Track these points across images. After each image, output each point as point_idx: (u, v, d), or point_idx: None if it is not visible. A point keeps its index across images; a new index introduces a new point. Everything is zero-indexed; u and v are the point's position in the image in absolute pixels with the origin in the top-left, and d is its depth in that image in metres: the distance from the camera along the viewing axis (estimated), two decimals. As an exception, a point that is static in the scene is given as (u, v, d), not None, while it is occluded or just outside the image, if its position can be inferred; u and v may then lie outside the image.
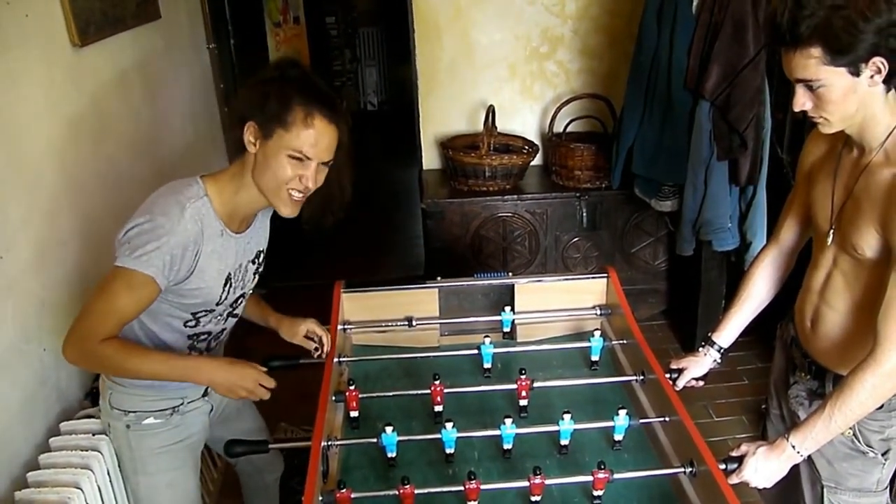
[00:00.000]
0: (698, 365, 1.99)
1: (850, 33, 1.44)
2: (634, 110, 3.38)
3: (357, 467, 1.82)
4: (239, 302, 1.91)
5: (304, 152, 1.66)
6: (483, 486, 1.60)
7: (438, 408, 1.91)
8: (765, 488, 1.72)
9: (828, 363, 1.78)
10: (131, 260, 1.60)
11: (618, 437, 1.83)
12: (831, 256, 1.72)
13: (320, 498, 1.59)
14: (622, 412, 1.79)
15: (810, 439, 1.60)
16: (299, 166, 1.67)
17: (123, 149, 2.67)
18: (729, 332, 1.99)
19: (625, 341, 2.16)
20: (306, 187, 1.70)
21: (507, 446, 1.79)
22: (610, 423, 1.80)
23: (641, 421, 1.87)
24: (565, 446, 1.81)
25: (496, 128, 3.77)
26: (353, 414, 1.92)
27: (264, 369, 1.80)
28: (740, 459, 1.65)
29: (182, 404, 1.91)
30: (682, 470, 1.68)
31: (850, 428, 1.73)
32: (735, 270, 3.31)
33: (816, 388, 1.82)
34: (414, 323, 2.26)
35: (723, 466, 1.63)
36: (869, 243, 1.58)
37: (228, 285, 1.82)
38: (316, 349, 2.07)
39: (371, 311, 2.29)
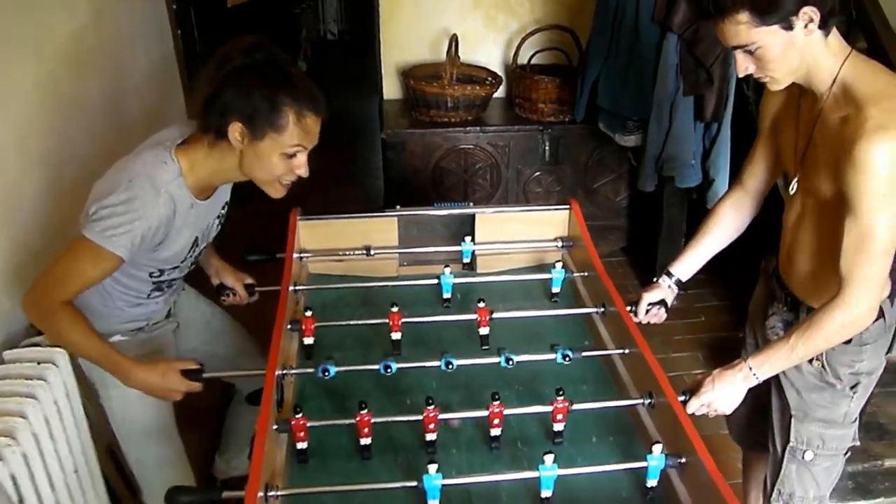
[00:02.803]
0: (652, 291, 1.99)
1: None
2: (600, 43, 3.32)
3: (313, 397, 1.78)
4: (202, 251, 1.99)
5: (300, 145, 1.70)
6: (441, 416, 1.58)
7: (396, 335, 1.88)
8: (732, 421, 1.74)
9: (802, 296, 1.80)
10: (100, 236, 1.64)
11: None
12: (799, 199, 1.73)
13: (275, 426, 1.56)
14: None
15: (769, 364, 1.64)
16: (292, 159, 1.72)
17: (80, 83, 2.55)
18: (687, 265, 2.00)
19: (585, 273, 2.14)
20: (299, 175, 1.76)
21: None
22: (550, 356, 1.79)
23: (601, 352, 1.86)
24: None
25: (459, 58, 3.68)
26: (308, 341, 1.88)
27: (194, 367, 1.81)
28: (695, 388, 1.68)
29: (147, 324, 1.98)
30: (641, 401, 1.68)
31: (819, 360, 1.76)
32: (697, 207, 3.30)
33: (791, 319, 1.84)
34: (372, 252, 2.21)
35: (682, 397, 1.64)
36: (830, 190, 1.59)
37: (195, 246, 1.90)
38: (225, 297, 2.21)
39: (328, 239, 2.23)
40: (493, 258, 2.28)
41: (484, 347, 1.89)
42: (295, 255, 2.13)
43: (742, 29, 1.49)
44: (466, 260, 2.24)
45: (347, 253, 2.21)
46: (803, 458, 1.85)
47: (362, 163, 5.12)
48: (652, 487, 1.51)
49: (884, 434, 2.72)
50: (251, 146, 1.68)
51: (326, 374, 1.70)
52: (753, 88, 3.16)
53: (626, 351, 1.81)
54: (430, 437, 1.61)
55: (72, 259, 1.69)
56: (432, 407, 1.57)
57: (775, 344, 1.65)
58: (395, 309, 1.86)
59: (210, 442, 2.57)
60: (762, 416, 1.91)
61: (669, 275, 2.00)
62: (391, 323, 1.87)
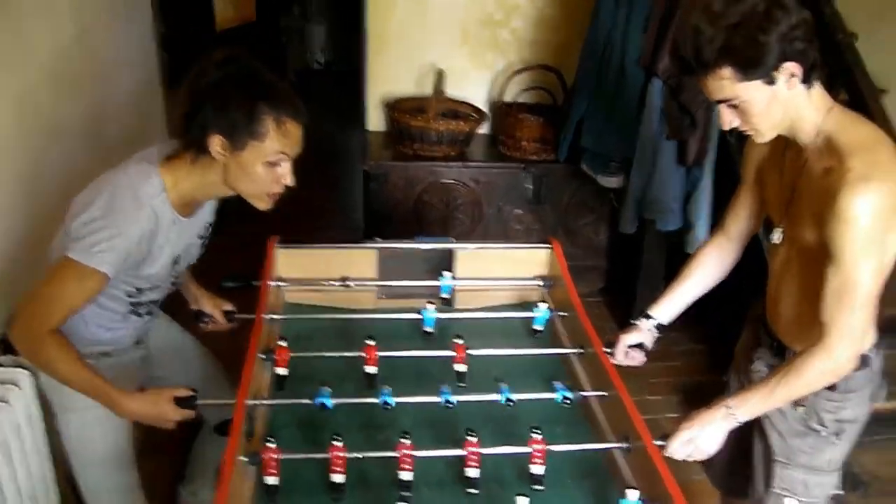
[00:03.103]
0: (633, 334, 1.98)
1: (753, 48, 1.45)
2: (586, 83, 3.34)
3: (284, 426, 1.74)
4: (182, 271, 1.96)
5: (283, 153, 1.68)
6: (416, 453, 1.55)
7: (371, 369, 1.85)
8: (712, 466, 1.72)
9: (788, 341, 1.80)
10: (84, 254, 1.62)
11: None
12: (784, 248, 1.74)
13: (244, 458, 1.52)
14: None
15: (748, 405, 1.65)
16: (277, 168, 1.70)
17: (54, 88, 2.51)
18: (668, 308, 1.99)
19: (565, 313, 2.12)
20: (285, 186, 1.74)
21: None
22: (550, 395, 1.77)
23: (582, 394, 1.84)
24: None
25: (445, 92, 3.69)
26: (281, 372, 1.84)
27: (187, 394, 1.77)
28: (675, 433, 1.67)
29: (114, 349, 1.92)
30: (618, 445, 1.66)
31: (803, 405, 1.75)
32: (676, 252, 3.31)
33: (777, 363, 1.83)
34: (350, 283, 2.18)
35: (660, 442, 1.63)
36: (813, 236, 1.60)
37: (176, 264, 1.86)
38: (204, 324, 2.17)
39: (306, 268, 2.20)
40: (471, 294, 2.25)
41: (461, 384, 1.86)
42: (271, 284, 2.10)
43: (725, 84, 1.51)
44: (445, 295, 2.22)
45: (325, 283, 2.18)
46: None
47: (344, 193, 5.10)
48: None
49: (859, 484, 2.71)
50: (234, 158, 1.65)
51: (324, 407, 1.68)
52: (736, 135, 3.17)
53: (607, 394, 1.79)
54: (406, 476, 1.56)
55: (56, 282, 1.65)
56: (408, 443, 1.54)
57: (756, 386, 1.65)
58: (371, 342, 1.83)
59: (174, 471, 2.50)
60: (743, 462, 1.90)
61: (649, 317, 1.99)
62: (367, 356, 1.84)
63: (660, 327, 1.99)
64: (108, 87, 3.03)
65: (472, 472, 1.58)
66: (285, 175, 1.72)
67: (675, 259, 3.41)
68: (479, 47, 3.92)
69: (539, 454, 1.59)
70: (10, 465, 1.78)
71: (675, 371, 3.46)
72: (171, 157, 1.73)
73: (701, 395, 3.18)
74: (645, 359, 1.99)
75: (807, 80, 1.51)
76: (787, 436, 1.79)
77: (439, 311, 2.08)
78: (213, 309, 2.17)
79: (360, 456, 1.57)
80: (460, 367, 1.87)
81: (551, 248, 2.26)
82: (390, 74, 3.92)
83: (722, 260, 1.96)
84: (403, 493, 1.56)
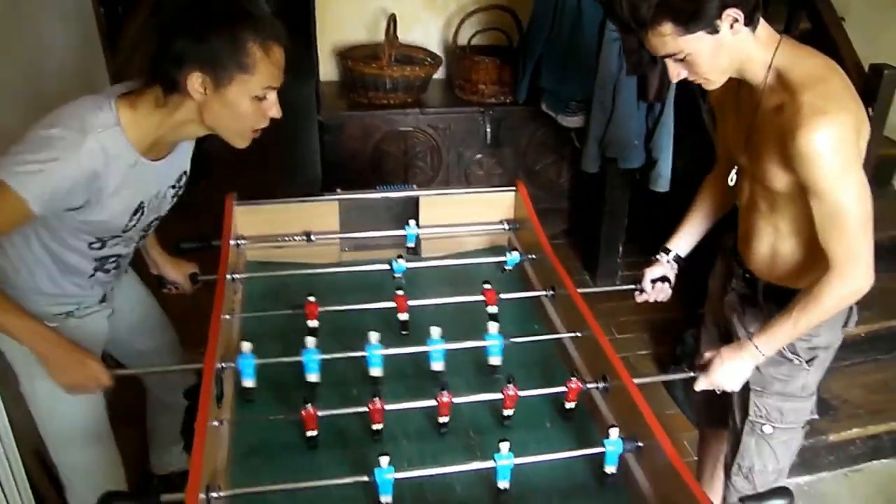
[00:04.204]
0: (653, 267, 2.01)
1: (690, 0, 1.42)
2: (542, 23, 3.28)
3: (257, 389, 1.69)
4: (153, 224, 1.82)
5: (272, 86, 1.53)
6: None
7: (403, 316, 1.83)
8: (690, 401, 1.73)
9: (760, 274, 1.81)
10: (12, 176, 1.43)
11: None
12: (748, 187, 1.74)
13: (215, 422, 1.47)
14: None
15: (774, 340, 1.67)
16: (263, 102, 1.55)
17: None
18: (684, 241, 2.01)
19: (533, 256, 2.09)
20: (269, 119, 1.59)
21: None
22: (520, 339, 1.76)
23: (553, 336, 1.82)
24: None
25: (398, 38, 3.60)
26: (312, 324, 1.79)
27: (105, 370, 1.67)
28: (704, 367, 1.73)
29: (77, 309, 1.81)
30: (595, 385, 1.64)
31: None
32: (639, 189, 3.29)
33: (749, 294, 1.86)
34: (313, 237, 2.12)
35: (692, 374, 1.73)
36: (777, 177, 1.60)
37: (140, 213, 1.69)
38: (168, 289, 2.11)
39: (266, 225, 2.13)
40: (437, 242, 2.21)
41: (403, 332, 1.83)
42: (231, 243, 2.03)
43: (668, 40, 1.48)
44: (411, 244, 2.17)
45: (287, 239, 2.12)
46: (762, 431, 1.88)
47: (298, 146, 4.92)
48: (611, 473, 1.48)
49: (828, 409, 2.76)
50: (216, 95, 1.49)
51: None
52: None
53: (579, 334, 1.77)
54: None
55: None
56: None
57: (778, 319, 1.66)
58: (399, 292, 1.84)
59: (144, 437, 2.46)
60: (721, 393, 1.91)
61: (667, 251, 2.00)
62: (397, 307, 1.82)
63: (678, 259, 2.00)
64: (43, 44, 2.89)
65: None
66: (272, 107, 1.57)
67: (639, 197, 3.41)
68: (432, -11, 3.82)
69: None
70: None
71: (642, 308, 3.45)
72: (130, 92, 1.56)
73: (671, 331, 3.23)
74: (671, 291, 2.02)
75: (750, 21, 1.49)
76: (760, 365, 1.79)
77: (407, 260, 2.04)
78: (177, 273, 2.10)
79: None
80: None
81: (516, 190, 2.22)
82: (340, 22, 3.81)
83: (721, 193, 1.94)
84: (377, 441, 1.55)
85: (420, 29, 3.87)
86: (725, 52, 1.51)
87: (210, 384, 1.51)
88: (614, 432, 1.46)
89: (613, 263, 3.68)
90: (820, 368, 1.83)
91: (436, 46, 3.88)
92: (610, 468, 1.48)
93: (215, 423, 1.48)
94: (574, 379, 1.61)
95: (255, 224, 2.13)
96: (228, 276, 1.88)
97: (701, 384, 1.73)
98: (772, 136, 1.56)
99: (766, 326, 1.69)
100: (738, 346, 1.71)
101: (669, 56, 1.52)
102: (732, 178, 1.76)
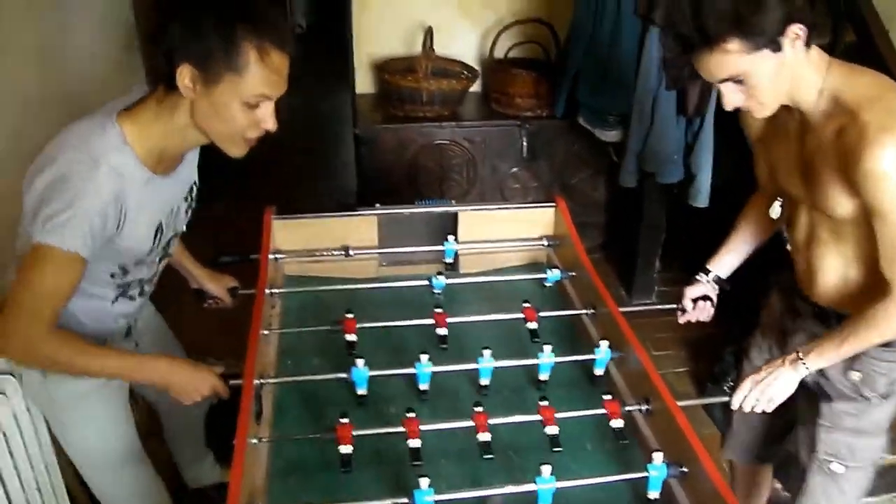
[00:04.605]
0: (696, 287, 1.98)
1: (759, 12, 1.36)
2: (581, 36, 3.26)
3: (290, 408, 1.69)
4: (172, 243, 1.75)
5: (265, 94, 1.44)
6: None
7: (442, 331, 1.81)
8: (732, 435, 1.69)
9: (833, 306, 1.73)
10: (49, 235, 1.39)
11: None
12: (806, 219, 1.69)
13: (254, 440, 1.46)
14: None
15: (820, 356, 1.62)
16: (256, 110, 1.46)
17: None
18: (725, 263, 1.97)
19: (573, 273, 2.06)
20: (265, 130, 1.50)
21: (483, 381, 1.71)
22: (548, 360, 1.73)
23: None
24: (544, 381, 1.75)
25: (434, 51, 3.59)
26: (351, 338, 1.78)
27: (219, 371, 1.64)
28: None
29: (106, 344, 1.73)
30: (637, 407, 1.61)
31: (859, 372, 1.70)
32: (677, 204, 3.25)
33: (821, 331, 1.74)
34: (351, 252, 2.11)
35: (727, 398, 1.70)
36: (841, 204, 1.54)
37: (160, 233, 1.63)
38: (209, 304, 2.08)
39: (305, 239, 2.13)
40: (476, 258, 2.20)
41: (443, 346, 1.80)
42: (270, 257, 2.03)
43: (732, 59, 1.41)
44: (449, 260, 2.16)
45: (325, 253, 2.11)
46: (830, 469, 1.79)
47: (334, 159, 4.99)
48: (654, 499, 1.44)
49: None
50: (205, 93, 1.40)
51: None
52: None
53: (620, 354, 1.74)
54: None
55: (32, 276, 1.42)
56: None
57: (827, 338, 1.62)
58: (439, 311, 1.83)
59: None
60: (764, 425, 1.87)
61: (707, 272, 1.97)
62: (437, 321, 1.82)
63: (718, 280, 1.97)
64: (85, 57, 2.93)
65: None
66: (266, 118, 1.47)
67: (677, 212, 3.37)
68: (468, 1, 3.80)
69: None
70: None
71: (679, 326, 3.41)
72: (131, 106, 1.50)
73: (708, 348, 3.18)
74: (713, 311, 1.99)
75: (809, 41, 1.44)
76: (835, 399, 1.74)
77: (447, 276, 2.02)
78: (217, 287, 2.09)
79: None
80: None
81: (556, 206, 2.20)
82: (377, 34, 3.81)
83: (764, 218, 1.89)
84: (416, 463, 1.50)
85: (457, 42, 3.86)
86: (786, 74, 1.45)
87: (249, 401, 1.50)
88: (658, 457, 1.42)
89: (650, 279, 3.63)
90: (893, 404, 1.74)
91: (472, 59, 3.87)
92: (653, 494, 1.44)
93: (254, 441, 1.47)
94: (610, 396, 1.59)
95: (293, 238, 2.13)
96: (267, 291, 1.88)
97: (745, 400, 1.67)
98: (833, 161, 1.50)
99: (814, 343, 1.64)
100: (782, 361, 1.65)
101: (730, 79, 1.45)
102: (776, 210, 1.73)
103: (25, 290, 1.43)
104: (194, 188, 1.76)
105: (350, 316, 1.80)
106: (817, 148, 1.54)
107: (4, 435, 1.73)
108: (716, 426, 2.75)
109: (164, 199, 1.62)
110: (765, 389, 1.65)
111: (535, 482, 1.37)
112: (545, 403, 1.56)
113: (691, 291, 1.97)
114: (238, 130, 1.47)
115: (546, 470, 1.37)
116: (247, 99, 1.42)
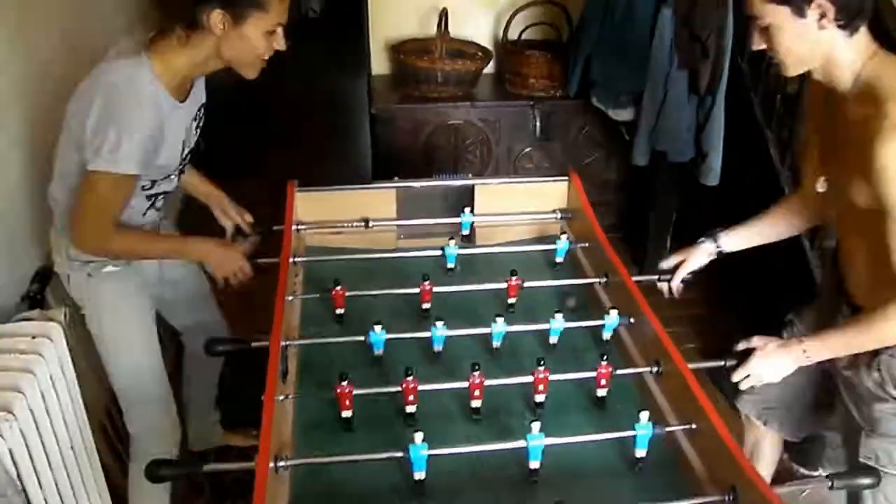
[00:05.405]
0: (696, 256, 1.97)
1: None
2: (594, 16, 3.29)
3: (317, 368, 1.75)
4: (187, 158, 1.99)
5: (281, 23, 1.72)
6: (487, 382, 1.58)
7: (426, 305, 1.90)
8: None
9: (863, 303, 1.72)
10: (106, 162, 1.67)
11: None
12: (837, 201, 1.68)
13: (281, 397, 1.53)
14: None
15: (824, 349, 1.63)
16: (272, 35, 1.74)
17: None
18: (735, 238, 1.95)
19: (586, 244, 2.12)
20: (276, 50, 1.77)
21: (495, 343, 1.78)
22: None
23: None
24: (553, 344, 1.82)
25: (449, 32, 3.64)
26: (339, 311, 1.89)
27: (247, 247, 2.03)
28: (744, 354, 1.68)
29: None
30: (648, 369, 1.67)
31: (878, 371, 1.68)
32: (689, 184, 3.29)
33: None
34: (371, 224, 2.18)
35: (729, 363, 1.69)
36: (861, 192, 1.53)
37: (183, 150, 1.92)
38: (242, 238, 2.21)
39: (326, 211, 2.19)
40: (491, 230, 2.26)
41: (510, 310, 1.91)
42: (293, 227, 2.09)
43: (755, 0, 1.48)
44: (465, 232, 2.22)
45: (346, 225, 2.18)
46: None
47: (350, 139, 5.03)
48: (640, 458, 1.50)
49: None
50: (234, 30, 1.68)
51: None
52: (748, 61, 3.15)
53: (631, 320, 1.80)
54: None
55: (92, 197, 1.73)
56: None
57: (833, 331, 1.63)
58: (426, 282, 1.89)
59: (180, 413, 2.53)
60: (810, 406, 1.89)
61: (714, 237, 1.96)
62: (422, 295, 1.89)
63: (719, 249, 1.96)
64: (104, 33, 2.99)
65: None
66: (279, 40, 1.75)
67: (688, 192, 3.41)
68: (482, -17, 3.85)
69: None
70: (48, 416, 1.79)
71: (689, 303, 3.46)
72: (154, 41, 1.75)
73: (715, 324, 3.23)
74: (692, 282, 2.00)
75: (847, 25, 1.46)
76: (867, 402, 1.73)
77: (460, 247, 2.08)
78: (238, 214, 2.22)
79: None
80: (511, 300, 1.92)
81: (569, 180, 2.25)
82: (392, 16, 3.86)
83: (800, 214, 1.91)
84: (410, 426, 1.57)
85: (471, 23, 3.90)
86: (807, 42, 1.49)
87: (277, 361, 1.57)
88: (644, 416, 1.46)
89: (661, 257, 3.65)
90: None
91: (486, 41, 3.91)
92: (640, 452, 1.49)
93: (280, 398, 1.54)
94: (604, 363, 1.63)
95: (314, 210, 2.19)
96: (290, 260, 1.95)
97: (738, 375, 1.68)
98: (856, 149, 1.50)
99: (820, 333, 1.65)
100: (787, 344, 1.66)
101: (753, 18, 1.52)
102: (822, 186, 1.67)
103: (90, 206, 1.75)
104: (202, 107, 2.00)
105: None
106: (846, 132, 1.55)
107: (52, 380, 1.83)
108: (726, 400, 2.80)
109: (184, 120, 1.89)
110: (756, 365, 1.66)
111: (525, 440, 1.42)
112: (542, 368, 1.60)
113: (692, 262, 1.97)
114: (259, 55, 1.76)
115: (535, 427, 1.42)
116: (269, 28, 1.71)
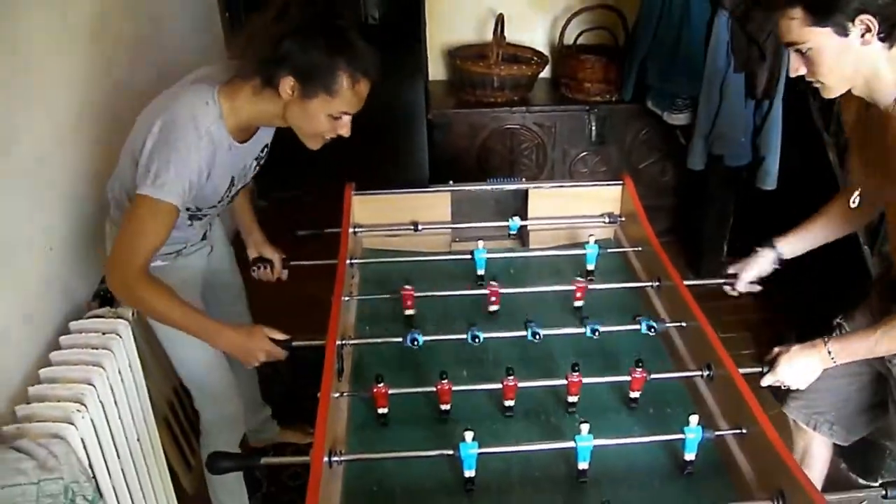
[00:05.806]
0: (755, 265, 1.97)
1: None
2: (649, 20, 3.28)
3: (372, 366, 1.79)
4: (239, 190, 1.99)
5: (347, 112, 1.71)
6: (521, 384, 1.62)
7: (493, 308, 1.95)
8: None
9: None
10: (154, 189, 1.65)
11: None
12: (889, 210, 1.68)
13: (336, 395, 1.58)
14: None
15: (848, 350, 1.62)
16: (338, 120, 1.72)
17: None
18: (793, 244, 1.95)
19: (639, 248, 2.13)
20: (340, 135, 1.75)
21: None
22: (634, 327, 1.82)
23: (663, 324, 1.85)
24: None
25: (505, 38, 3.67)
26: (409, 312, 1.94)
27: (279, 338, 1.82)
28: (772, 362, 1.68)
29: (185, 248, 2.00)
30: (700, 373, 1.68)
31: None
32: (745, 188, 3.26)
33: None
34: (420, 227, 2.23)
35: (762, 370, 1.68)
36: None
37: (232, 186, 1.89)
38: (255, 270, 2.22)
39: (382, 214, 2.26)
40: (543, 233, 2.28)
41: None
42: (350, 230, 2.15)
43: (794, 25, 1.46)
44: (514, 233, 2.26)
45: (399, 228, 2.22)
46: None
47: (407, 143, 5.09)
48: (689, 461, 1.51)
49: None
50: (300, 101, 1.67)
51: (415, 343, 1.74)
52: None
53: (684, 324, 1.81)
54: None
55: (135, 221, 1.68)
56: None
57: (860, 333, 1.62)
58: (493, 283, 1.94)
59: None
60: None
61: (772, 246, 1.96)
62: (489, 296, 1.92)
63: (780, 260, 1.95)
64: (175, 50, 3.10)
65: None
66: (344, 127, 1.74)
67: (745, 197, 3.38)
68: (538, -12, 3.88)
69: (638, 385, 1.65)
70: (116, 408, 1.88)
71: (746, 308, 3.43)
72: (230, 82, 1.74)
73: (774, 331, 3.19)
74: (760, 287, 1.99)
75: (888, 37, 1.44)
76: None
77: (509, 251, 2.12)
78: (272, 252, 2.23)
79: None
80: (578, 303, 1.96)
81: (623, 184, 2.26)
82: (449, 22, 3.91)
83: (842, 217, 1.90)
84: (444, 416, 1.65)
85: (527, 28, 3.92)
86: (851, 60, 1.46)
87: (333, 360, 1.62)
88: (694, 419, 1.48)
89: (717, 262, 3.64)
90: None
91: (542, 46, 3.93)
92: (689, 455, 1.50)
93: (335, 395, 1.59)
94: (639, 369, 1.64)
95: (370, 213, 2.25)
96: (347, 262, 2.00)
97: (767, 380, 1.68)
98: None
99: (846, 335, 1.64)
100: (811, 346, 1.65)
101: (792, 45, 1.49)
102: (855, 200, 1.69)
103: (130, 232, 1.69)
104: (266, 148, 1.98)
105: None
106: (892, 146, 1.54)
107: (120, 374, 1.92)
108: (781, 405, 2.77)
109: (240, 160, 1.87)
110: (782, 370, 1.66)
111: (574, 441, 1.45)
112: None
113: (751, 271, 1.97)
114: (319, 133, 1.74)
115: (584, 428, 1.45)
116: (333, 114, 1.69)
